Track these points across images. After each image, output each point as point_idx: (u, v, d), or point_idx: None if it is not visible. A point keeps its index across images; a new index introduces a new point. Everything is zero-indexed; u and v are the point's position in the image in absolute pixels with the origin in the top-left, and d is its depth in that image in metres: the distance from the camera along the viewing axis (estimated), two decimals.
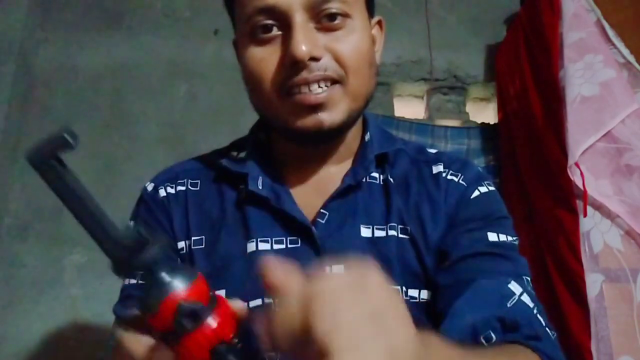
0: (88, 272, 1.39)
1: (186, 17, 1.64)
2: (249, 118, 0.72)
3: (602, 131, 1.16)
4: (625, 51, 1.24)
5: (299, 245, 0.61)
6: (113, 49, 1.59)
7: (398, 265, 0.60)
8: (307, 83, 0.56)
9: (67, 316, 1.37)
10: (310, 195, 0.64)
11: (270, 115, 0.62)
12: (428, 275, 0.61)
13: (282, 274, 0.33)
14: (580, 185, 1.13)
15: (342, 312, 0.29)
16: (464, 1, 1.70)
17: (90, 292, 1.38)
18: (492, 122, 1.60)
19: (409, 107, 1.70)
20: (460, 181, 0.65)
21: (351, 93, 0.59)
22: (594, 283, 1.10)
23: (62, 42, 1.58)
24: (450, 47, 1.65)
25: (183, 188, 0.67)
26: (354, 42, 0.59)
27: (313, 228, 0.60)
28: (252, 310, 0.57)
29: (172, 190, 0.67)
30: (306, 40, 0.55)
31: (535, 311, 0.55)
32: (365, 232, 0.61)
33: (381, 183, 0.66)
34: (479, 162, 1.53)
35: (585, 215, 1.12)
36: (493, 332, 0.51)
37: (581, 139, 1.16)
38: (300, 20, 0.56)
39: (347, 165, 0.67)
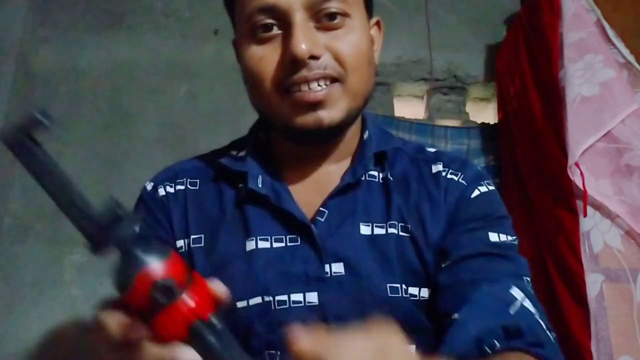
0: (88, 272, 1.39)
1: (186, 17, 1.64)
2: (249, 118, 0.72)
3: (602, 131, 1.16)
4: (625, 51, 1.25)
5: (299, 243, 0.61)
6: (113, 49, 1.59)
7: (398, 263, 0.60)
8: (307, 81, 0.57)
9: (67, 316, 1.37)
10: (310, 194, 0.65)
11: (270, 114, 0.62)
12: (428, 274, 0.61)
13: (308, 343, 0.33)
14: (580, 185, 1.13)
15: None
16: (464, 1, 1.70)
17: (90, 292, 1.38)
18: (492, 122, 1.60)
19: (409, 107, 1.70)
20: (460, 180, 0.65)
21: (350, 91, 0.60)
22: (594, 283, 1.10)
23: (62, 42, 1.58)
24: (450, 47, 1.65)
25: (182, 187, 0.68)
26: (353, 41, 0.59)
27: (312, 226, 0.61)
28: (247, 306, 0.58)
29: (172, 190, 0.67)
30: (306, 38, 0.56)
31: (537, 316, 0.56)
32: (365, 230, 0.62)
33: (380, 181, 0.66)
34: (479, 162, 1.53)
35: (585, 215, 1.12)
36: (497, 341, 0.51)
37: (581, 139, 1.16)
38: (300, 19, 0.57)
39: (346, 163, 0.67)
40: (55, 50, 1.57)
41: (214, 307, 0.38)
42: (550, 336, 0.56)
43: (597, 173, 1.16)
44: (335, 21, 0.58)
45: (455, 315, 0.56)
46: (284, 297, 0.58)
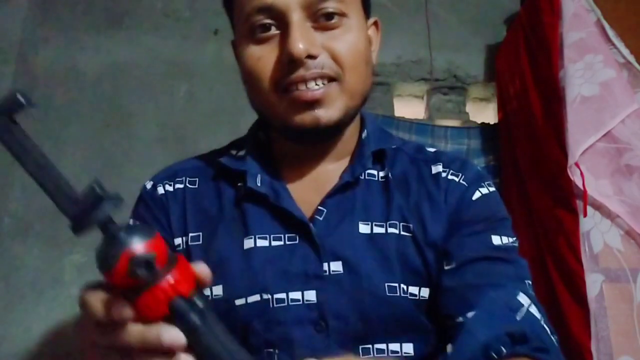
0: (88, 272, 1.39)
1: (186, 17, 1.64)
2: (249, 118, 0.73)
3: (602, 131, 1.16)
4: (625, 51, 1.24)
5: (297, 242, 0.61)
6: (113, 49, 1.59)
7: (397, 262, 0.60)
8: (304, 81, 0.58)
9: (67, 316, 1.37)
10: (309, 193, 0.65)
11: (269, 113, 0.63)
12: (429, 273, 0.61)
13: None
14: (580, 185, 1.13)
15: None
16: (464, 1, 1.70)
17: None
18: (492, 122, 1.60)
19: (409, 107, 1.70)
20: (461, 181, 0.66)
21: (347, 91, 0.60)
22: (594, 283, 1.10)
23: (62, 42, 1.58)
24: (450, 47, 1.65)
25: (181, 186, 0.68)
26: (350, 40, 0.60)
27: (311, 225, 0.61)
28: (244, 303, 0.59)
29: (171, 188, 0.68)
30: (303, 38, 0.57)
31: (542, 322, 0.56)
32: (364, 228, 0.62)
33: (380, 180, 0.66)
34: (479, 162, 1.53)
35: (585, 215, 1.12)
36: (503, 347, 0.52)
37: (581, 139, 1.16)
38: (297, 19, 0.57)
39: (344, 163, 0.67)
40: (55, 50, 1.57)
41: (195, 286, 0.38)
42: (554, 340, 0.57)
43: (597, 173, 1.16)
44: (333, 21, 0.59)
45: (460, 319, 0.57)
46: (283, 295, 0.58)
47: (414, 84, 1.64)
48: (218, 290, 0.60)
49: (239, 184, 0.66)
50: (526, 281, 0.60)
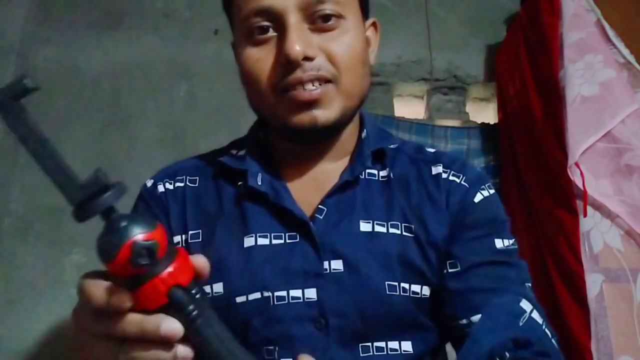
0: None
1: (186, 17, 1.64)
2: (249, 118, 0.73)
3: (602, 131, 1.16)
4: (625, 51, 1.25)
5: (298, 240, 0.61)
6: (113, 49, 1.59)
7: (397, 262, 0.61)
8: (301, 82, 0.58)
9: (67, 316, 1.37)
10: (308, 192, 0.65)
11: (267, 114, 0.63)
12: (431, 272, 0.62)
13: None
14: (580, 185, 1.13)
15: None
16: (464, 1, 1.70)
17: None
18: (492, 122, 1.60)
19: (409, 107, 1.71)
20: (462, 182, 0.66)
21: (344, 92, 0.61)
22: (594, 283, 1.10)
23: (62, 42, 1.58)
24: (450, 47, 1.65)
25: (181, 184, 0.68)
26: (347, 42, 0.60)
27: (311, 224, 0.61)
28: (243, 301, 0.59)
29: (171, 187, 0.68)
30: (300, 40, 0.57)
31: (543, 326, 0.58)
32: (365, 227, 0.62)
33: (381, 180, 0.66)
34: (479, 162, 1.53)
35: (585, 215, 1.12)
36: (507, 352, 0.53)
37: (581, 139, 1.16)
38: (294, 21, 0.58)
39: (344, 162, 0.68)
40: (55, 50, 1.57)
41: (192, 277, 0.38)
42: (555, 343, 0.58)
43: (597, 173, 1.16)
44: (330, 23, 0.59)
45: (464, 321, 0.59)
46: (283, 293, 0.59)
47: (414, 84, 1.65)
48: (218, 287, 0.60)
49: (239, 183, 0.66)
50: (527, 284, 0.62)
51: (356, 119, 0.69)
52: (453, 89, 1.64)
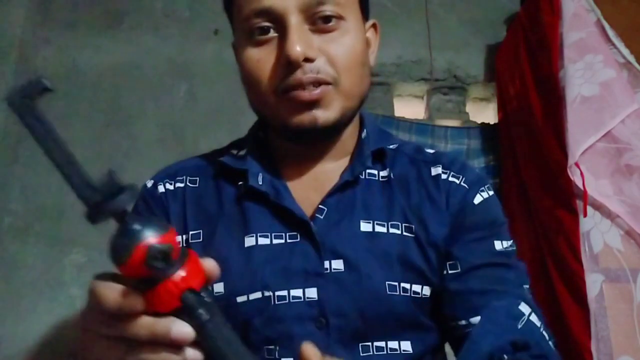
0: (88, 272, 1.39)
1: (186, 17, 1.64)
2: (249, 118, 0.73)
3: (602, 131, 1.17)
4: (625, 51, 1.25)
5: (298, 240, 0.61)
6: (113, 49, 1.59)
7: (398, 262, 0.61)
8: (301, 84, 0.58)
9: (67, 316, 1.37)
10: (309, 192, 0.65)
11: (268, 114, 0.64)
12: (431, 272, 0.62)
13: None
14: (580, 185, 1.13)
15: None
16: (464, 1, 1.70)
17: None
18: (492, 122, 1.60)
19: (409, 107, 1.71)
20: (462, 183, 0.67)
21: (343, 93, 0.61)
22: (594, 283, 1.10)
23: (62, 42, 1.59)
24: (450, 47, 1.65)
25: (182, 185, 0.69)
26: (347, 43, 0.61)
27: (312, 223, 0.61)
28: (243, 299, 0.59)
29: (171, 187, 0.68)
30: (301, 41, 0.57)
31: (541, 329, 0.59)
32: (366, 227, 0.62)
33: (381, 180, 0.67)
34: (479, 162, 1.53)
35: (585, 215, 1.12)
36: (505, 354, 0.54)
37: (581, 139, 1.16)
38: (295, 22, 0.58)
39: (344, 162, 0.68)
40: (55, 50, 1.58)
41: (204, 281, 0.38)
42: (552, 345, 0.58)
43: (597, 173, 1.16)
44: (330, 24, 0.60)
45: (463, 322, 0.60)
46: (284, 293, 0.59)
47: (414, 84, 1.65)
48: (219, 287, 0.60)
49: (239, 183, 0.66)
50: (525, 286, 0.63)
51: (356, 119, 0.69)
52: (453, 89, 1.64)
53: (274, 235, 0.62)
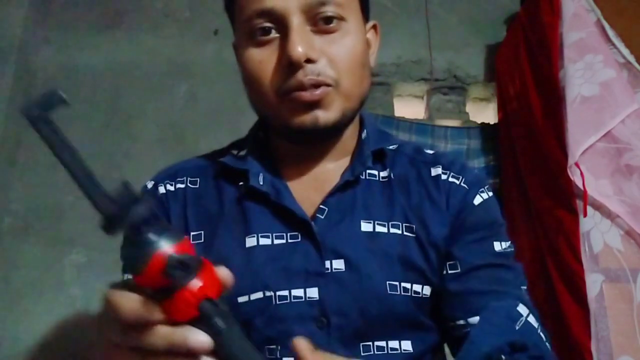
0: (88, 272, 1.39)
1: (186, 17, 1.64)
2: (249, 118, 0.73)
3: (602, 131, 1.17)
4: (625, 51, 1.25)
5: (299, 240, 0.62)
6: (113, 49, 1.59)
7: (398, 262, 0.61)
8: (302, 86, 0.58)
9: (67, 316, 1.37)
10: (309, 192, 0.66)
11: (269, 115, 0.64)
12: (431, 272, 0.63)
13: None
14: (580, 185, 1.13)
15: None
16: (464, 1, 1.70)
17: (90, 292, 1.38)
18: (492, 122, 1.60)
19: (409, 107, 1.71)
20: (462, 184, 0.67)
21: (344, 94, 0.61)
22: (594, 283, 1.10)
23: (62, 42, 1.59)
24: (450, 47, 1.65)
25: (182, 185, 0.69)
26: (348, 44, 0.61)
27: (312, 223, 0.61)
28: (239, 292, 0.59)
29: (172, 188, 0.68)
30: (302, 42, 0.58)
31: (539, 330, 0.59)
32: (366, 227, 0.63)
33: (381, 180, 0.67)
34: (479, 162, 1.53)
35: (585, 215, 1.12)
36: (503, 355, 0.54)
37: (581, 139, 1.16)
38: (297, 22, 0.58)
39: (345, 162, 0.68)
40: (55, 50, 1.58)
41: (220, 290, 0.38)
42: (549, 346, 0.59)
43: (597, 173, 1.16)
44: (331, 25, 0.60)
45: (461, 322, 0.60)
46: (285, 293, 0.59)
47: (414, 84, 1.65)
48: None
49: (240, 183, 0.66)
50: (523, 287, 0.63)
51: (356, 120, 0.70)
52: (453, 89, 1.64)
53: (275, 236, 0.62)
